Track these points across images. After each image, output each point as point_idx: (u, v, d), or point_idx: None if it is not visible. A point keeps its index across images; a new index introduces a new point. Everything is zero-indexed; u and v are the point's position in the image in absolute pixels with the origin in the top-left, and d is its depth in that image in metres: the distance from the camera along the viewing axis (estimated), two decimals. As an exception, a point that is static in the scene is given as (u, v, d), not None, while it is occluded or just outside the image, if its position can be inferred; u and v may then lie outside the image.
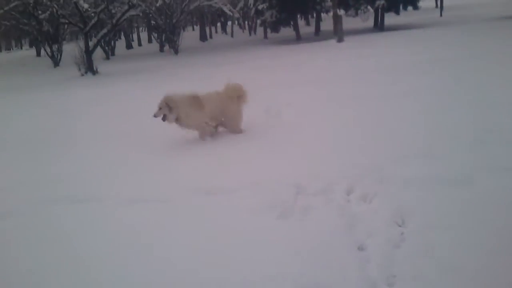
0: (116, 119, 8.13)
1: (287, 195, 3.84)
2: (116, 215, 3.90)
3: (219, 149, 5.54)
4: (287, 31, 26.54)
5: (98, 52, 19.10)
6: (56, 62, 22.01)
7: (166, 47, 25.53)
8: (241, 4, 28.09)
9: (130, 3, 17.46)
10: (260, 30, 32.41)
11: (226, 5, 23.70)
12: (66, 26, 22.55)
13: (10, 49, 54.31)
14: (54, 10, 19.18)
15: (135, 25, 38.56)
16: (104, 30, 18.86)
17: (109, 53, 25.05)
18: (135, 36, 38.41)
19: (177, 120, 5.80)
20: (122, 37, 36.66)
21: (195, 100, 5.85)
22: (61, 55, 22.20)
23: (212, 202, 3.94)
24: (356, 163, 4.38)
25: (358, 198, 3.67)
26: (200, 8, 26.99)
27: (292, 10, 23.80)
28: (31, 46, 42.13)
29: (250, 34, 36.49)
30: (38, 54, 30.53)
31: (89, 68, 16.76)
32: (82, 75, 16.58)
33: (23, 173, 5.39)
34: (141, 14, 22.56)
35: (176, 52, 23.10)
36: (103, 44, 22.32)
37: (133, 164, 5.27)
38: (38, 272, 3.09)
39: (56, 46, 22.39)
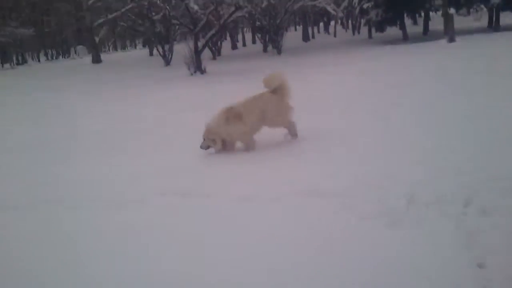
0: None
1: (397, 203, 3.74)
2: (229, 211, 4.03)
3: (321, 147, 5.54)
4: (393, 31, 25.68)
5: (206, 52, 19.86)
6: (167, 61, 23.28)
7: (270, 48, 25.91)
8: (345, 3, 27.68)
9: (237, 5, 17.95)
10: (364, 30, 31.70)
11: (330, 4, 23.51)
12: (177, 27, 23.77)
13: (125, 49, 58.38)
14: (167, 12, 20.33)
15: (241, 26, 39.52)
16: (212, 31, 19.62)
17: (216, 53, 25.97)
18: (239, 36, 39.42)
19: (224, 143, 5.83)
20: (228, 38, 37.82)
21: (230, 114, 5.74)
22: (172, 55, 23.43)
23: (320, 203, 3.95)
24: (475, 172, 4.14)
25: (477, 211, 3.46)
26: (303, 8, 27.01)
27: (399, 9, 22.96)
28: (144, 46, 44.97)
29: (353, 33, 35.82)
30: (151, 53, 32.46)
31: (197, 67, 17.51)
32: (191, 74, 17.37)
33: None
34: (246, 15, 23.12)
35: (279, 52, 23.35)
36: (210, 44, 23.16)
37: (240, 162, 5.45)
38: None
39: (168, 46, 23.68)
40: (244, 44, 37.41)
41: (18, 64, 43.90)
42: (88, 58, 33.77)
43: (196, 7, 16.65)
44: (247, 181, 4.72)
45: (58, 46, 55.15)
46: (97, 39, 30.36)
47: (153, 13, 22.49)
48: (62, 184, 5.29)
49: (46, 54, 53.44)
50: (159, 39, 23.80)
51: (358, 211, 3.67)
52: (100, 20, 29.84)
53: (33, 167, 6.22)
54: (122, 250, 3.47)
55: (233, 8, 18.45)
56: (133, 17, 24.48)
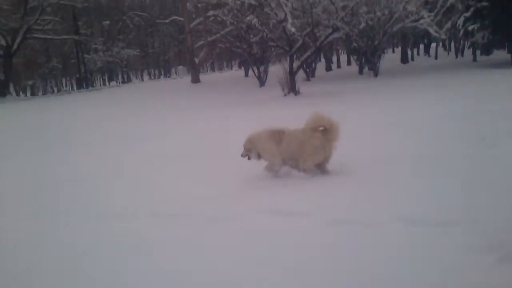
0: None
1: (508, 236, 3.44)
2: (320, 233, 3.96)
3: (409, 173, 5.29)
4: (500, 54, 24.14)
5: (300, 74, 19.97)
6: (262, 82, 23.74)
7: (365, 70, 25.47)
8: (448, 25, 26.52)
9: (334, 27, 17.92)
10: (468, 52, 30.13)
11: (432, 26, 22.63)
12: (273, 48, 24.21)
13: (222, 70, 60.55)
14: (264, 34, 20.80)
15: (336, 47, 39.37)
16: (308, 53, 19.74)
17: (310, 74, 26.03)
18: (334, 58, 39.25)
19: (259, 157, 6.03)
20: (322, 59, 37.80)
21: (275, 135, 5.90)
22: (266, 76, 23.86)
23: (423, 234, 3.73)
24: None
25: None
26: (403, 29, 26.28)
27: (508, 31, 21.55)
28: (239, 67, 46.34)
29: (456, 56, 34.20)
30: (246, 74, 33.30)
31: (291, 88, 17.65)
32: (285, 95, 17.54)
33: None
34: (343, 37, 22.96)
35: (376, 74, 22.87)
36: (304, 66, 23.27)
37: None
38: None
39: (263, 67, 24.16)
40: (338, 66, 37.15)
41: (123, 82, 47.12)
42: (187, 78, 35.36)
43: (293, 29, 16.84)
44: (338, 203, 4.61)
45: (161, 66, 58.54)
46: (196, 60, 31.73)
47: (251, 35, 23.12)
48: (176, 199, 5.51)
49: (149, 74, 56.92)
50: (255, 61, 24.37)
51: (467, 243, 3.42)
52: (201, 42, 31.27)
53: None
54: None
55: (330, 30, 18.43)
56: (232, 39, 25.33)
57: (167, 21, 43.04)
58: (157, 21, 45.61)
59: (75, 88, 41.47)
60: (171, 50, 57.28)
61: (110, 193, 6.02)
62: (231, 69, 56.58)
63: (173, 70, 59.56)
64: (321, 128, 5.65)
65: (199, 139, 9.57)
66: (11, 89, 38.16)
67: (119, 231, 4.48)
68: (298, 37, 18.55)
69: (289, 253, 3.63)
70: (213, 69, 57.54)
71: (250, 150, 6.05)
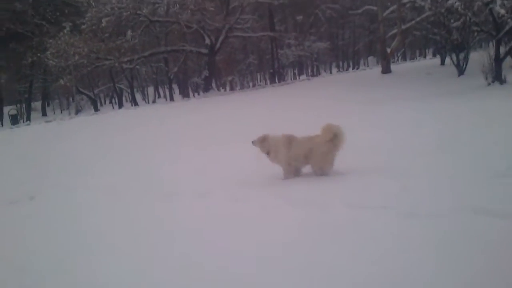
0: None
1: None
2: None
3: None
4: None
5: (507, 61, 17.80)
6: (460, 71, 21.87)
7: None
8: None
9: (553, 5, 15.53)
10: None
11: None
12: (475, 33, 22.09)
13: (414, 59, 57.65)
14: (467, 18, 19.03)
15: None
16: (520, 37, 17.49)
17: (519, 61, 23.07)
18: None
19: (268, 154, 6.61)
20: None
21: (286, 141, 6.45)
22: (466, 64, 21.91)
23: None
24: None
25: None
26: None
27: None
28: (434, 55, 43.49)
29: None
30: (442, 62, 31.05)
31: (496, 77, 15.89)
32: (489, 84, 15.86)
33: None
34: None
35: None
36: (512, 51, 20.69)
37: None
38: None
39: (463, 54, 22.22)
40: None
41: (312, 75, 48.24)
42: (377, 69, 34.56)
43: (502, 11, 15.07)
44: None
45: (349, 57, 58.34)
46: (388, 49, 30.75)
47: (451, 20, 21.43)
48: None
49: (337, 66, 57.20)
50: (453, 47, 22.54)
51: None
52: (393, 31, 30.18)
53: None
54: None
55: (547, 9, 16.02)
56: (428, 25, 23.82)
57: (359, 11, 42.57)
58: (350, 12, 45.39)
59: (268, 83, 43.92)
60: (361, 40, 56.60)
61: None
62: (425, 57, 53.49)
63: (361, 61, 58.84)
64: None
65: (390, 133, 9.22)
66: (213, 84, 42.25)
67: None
68: (508, 20, 16.54)
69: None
70: (404, 58, 55.09)
71: (262, 144, 6.65)
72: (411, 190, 5.12)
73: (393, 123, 10.44)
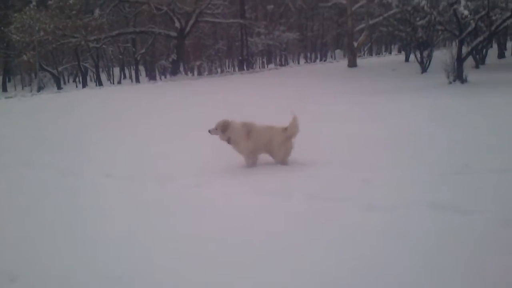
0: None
1: None
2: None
3: None
4: None
5: (468, 60, 18.37)
6: (424, 68, 22.44)
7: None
8: None
9: (514, 9, 16.11)
10: None
11: None
12: (439, 32, 22.68)
13: (380, 54, 58.58)
14: (432, 17, 19.50)
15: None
16: (480, 38, 18.07)
17: (479, 61, 23.85)
18: (508, 44, 35.34)
19: (229, 141, 6.51)
20: (494, 44, 34.31)
21: (245, 129, 6.44)
22: (430, 62, 22.48)
23: None
24: None
25: None
26: None
27: None
28: (399, 51, 44.33)
29: None
30: (407, 59, 31.76)
31: (458, 76, 16.39)
32: (450, 83, 16.35)
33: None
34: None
35: None
36: (474, 52, 21.36)
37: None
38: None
39: (427, 52, 22.79)
40: (514, 53, 33.38)
41: (280, 65, 48.40)
42: (343, 62, 34.98)
43: (466, 12, 15.52)
44: None
45: (317, 49, 58.77)
46: (355, 43, 31.19)
47: (417, 18, 21.92)
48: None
49: (305, 57, 57.54)
50: (418, 45, 23.08)
51: None
52: (361, 26, 30.61)
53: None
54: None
55: (508, 13, 16.60)
56: (395, 22, 24.29)
57: (329, 4, 42.88)
58: (320, 4, 45.65)
59: (236, 70, 43.79)
60: (329, 33, 57.08)
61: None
62: (390, 53, 54.46)
63: (329, 53, 59.36)
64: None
65: (352, 125, 9.43)
66: (181, 68, 41.76)
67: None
68: (471, 21, 17.07)
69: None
70: (370, 53, 55.96)
71: (224, 131, 6.48)
72: (371, 183, 5.29)
73: (357, 116, 10.67)
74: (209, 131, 6.57)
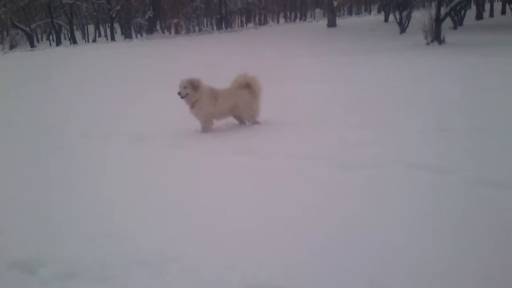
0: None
1: None
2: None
3: None
4: None
5: (446, 21, 18.39)
6: (402, 29, 22.44)
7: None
8: None
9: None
10: None
11: None
12: (419, -7, 22.60)
13: (359, 14, 58.20)
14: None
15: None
16: (459, -1, 18.07)
17: (457, 22, 23.91)
18: (487, 6, 35.43)
19: (193, 105, 6.29)
20: (473, 6, 34.35)
21: (212, 94, 6.32)
22: (408, 22, 22.46)
23: None
24: None
25: None
26: None
27: None
28: (379, 11, 44.11)
29: None
30: (386, 19, 31.68)
31: (436, 37, 16.45)
32: (428, 43, 16.42)
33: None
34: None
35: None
36: (452, 13, 21.38)
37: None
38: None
39: (405, 12, 22.72)
40: (491, 15, 33.51)
41: (260, 24, 47.74)
42: (323, 22, 34.69)
43: (447, -29, 15.43)
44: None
45: (297, 8, 57.99)
46: (335, 3, 30.86)
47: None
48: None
49: (285, 16, 56.80)
50: (397, 5, 22.98)
51: None
52: (341, -16, 30.18)
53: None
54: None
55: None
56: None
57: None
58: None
59: (215, 28, 43.05)
60: (310, -8, 56.36)
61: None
62: (370, 13, 54.16)
63: (309, 13, 58.68)
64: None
65: (331, 86, 9.45)
66: (157, 26, 40.78)
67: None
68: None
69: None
70: (350, 13, 55.55)
71: (196, 89, 6.24)
72: (348, 142, 5.35)
73: (335, 77, 10.69)
74: (179, 93, 6.26)
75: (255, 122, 6.62)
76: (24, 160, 5.62)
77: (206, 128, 6.47)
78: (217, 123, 6.65)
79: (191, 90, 6.25)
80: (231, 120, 6.78)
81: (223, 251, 3.07)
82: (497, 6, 36.85)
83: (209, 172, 4.73)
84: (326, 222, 3.41)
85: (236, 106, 6.52)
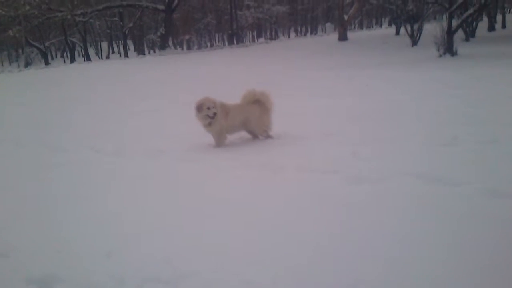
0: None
1: None
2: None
3: None
4: None
5: (458, 33, 18.33)
6: (414, 41, 22.39)
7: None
8: None
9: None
10: None
11: None
12: (430, 5, 22.56)
13: (370, 27, 58.25)
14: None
15: (503, 4, 35.26)
16: (470, 10, 18.03)
17: (469, 34, 23.81)
18: (498, 17, 35.25)
19: (210, 123, 6.27)
20: (484, 17, 34.21)
21: (223, 108, 6.31)
22: (420, 35, 22.42)
23: None
24: None
25: None
26: None
27: None
28: (389, 24, 44.12)
29: None
30: (397, 32, 31.64)
31: (448, 49, 16.39)
32: (440, 56, 16.36)
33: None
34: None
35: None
36: (464, 25, 21.32)
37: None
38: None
39: (417, 25, 22.69)
40: (503, 26, 33.32)
41: (271, 39, 48.00)
42: (334, 36, 34.73)
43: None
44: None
45: (308, 23, 58.26)
46: (346, 17, 30.94)
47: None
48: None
49: (295, 31, 57.07)
50: (408, 18, 22.96)
51: None
52: (352, -2, 30.31)
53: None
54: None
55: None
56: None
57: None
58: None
59: (226, 44, 43.37)
60: (320, 6, 56.54)
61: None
62: (381, 26, 54.15)
63: (319, 27, 58.89)
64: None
65: (342, 99, 9.43)
66: (170, 42, 41.20)
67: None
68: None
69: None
70: (361, 27, 55.61)
71: (204, 109, 6.18)
72: (360, 156, 5.32)
73: (347, 90, 10.68)
74: (210, 116, 6.17)
75: (268, 137, 6.64)
76: (37, 177, 5.66)
77: (220, 143, 6.50)
78: (230, 137, 6.66)
79: (218, 110, 6.24)
80: (244, 134, 6.79)
81: (237, 266, 3.06)
82: (509, 17, 36.70)
83: (221, 188, 4.71)
84: (337, 236, 3.39)
85: (248, 121, 6.54)
